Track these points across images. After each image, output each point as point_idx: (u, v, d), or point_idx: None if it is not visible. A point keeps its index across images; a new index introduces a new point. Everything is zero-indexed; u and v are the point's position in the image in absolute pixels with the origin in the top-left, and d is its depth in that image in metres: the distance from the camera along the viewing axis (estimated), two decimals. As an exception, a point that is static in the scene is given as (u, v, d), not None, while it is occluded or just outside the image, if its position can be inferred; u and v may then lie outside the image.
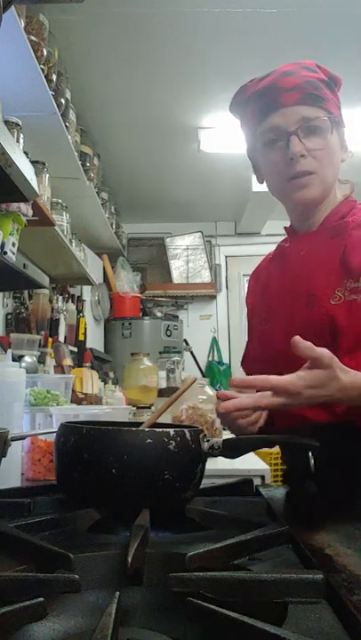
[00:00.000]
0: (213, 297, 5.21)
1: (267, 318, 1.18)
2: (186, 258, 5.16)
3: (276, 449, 3.58)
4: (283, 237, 1.26)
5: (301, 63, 1.12)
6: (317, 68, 1.13)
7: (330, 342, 1.01)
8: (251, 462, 1.77)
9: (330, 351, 0.96)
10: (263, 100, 1.11)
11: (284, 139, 1.07)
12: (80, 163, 2.88)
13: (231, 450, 0.85)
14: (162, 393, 2.63)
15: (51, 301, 3.17)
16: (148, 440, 0.71)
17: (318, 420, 1.04)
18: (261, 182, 1.22)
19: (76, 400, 2.53)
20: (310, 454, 1.03)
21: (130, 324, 4.60)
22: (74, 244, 3.02)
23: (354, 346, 1.00)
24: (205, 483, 0.82)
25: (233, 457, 0.86)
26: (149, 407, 2.63)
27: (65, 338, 3.40)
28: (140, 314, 4.83)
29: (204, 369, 5.05)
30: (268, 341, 1.15)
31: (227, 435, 1.11)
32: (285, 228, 1.24)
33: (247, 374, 1.24)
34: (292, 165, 1.07)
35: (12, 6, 1.15)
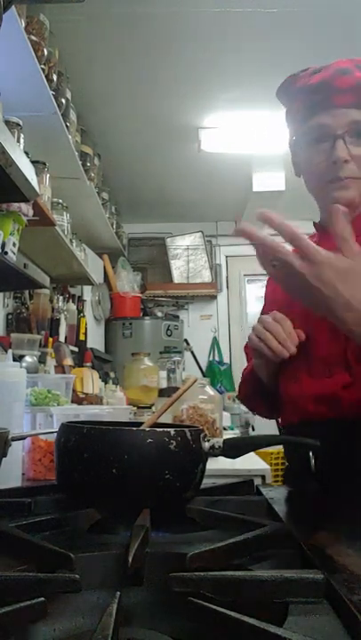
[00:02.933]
0: (214, 297, 5.21)
1: (290, 305, 1.15)
2: (186, 258, 5.16)
3: (277, 449, 3.59)
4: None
5: (356, 61, 1.08)
6: None
7: (342, 336, 1.01)
8: (251, 462, 1.77)
9: (340, 343, 0.98)
10: (315, 96, 1.08)
11: (330, 140, 1.06)
12: (80, 163, 2.88)
13: (231, 450, 0.85)
14: (162, 393, 2.63)
15: (51, 301, 3.17)
16: (149, 440, 0.71)
17: (323, 416, 1.05)
18: (299, 176, 1.20)
19: (77, 400, 2.53)
20: (311, 454, 1.03)
21: (130, 323, 4.60)
22: (74, 244, 3.02)
23: None
24: (206, 483, 0.82)
25: (233, 457, 0.86)
26: (150, 407, 2.63)
27: (65, 338, 3.40)
28: (141, 314, 4.83)
29: (204, 369, 5.05)
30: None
31: (227, 435, 1.11)
32: (315, 223, 1.23)
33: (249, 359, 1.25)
34: (335, 169, 1.06)
35: (13, 6, 1.15)
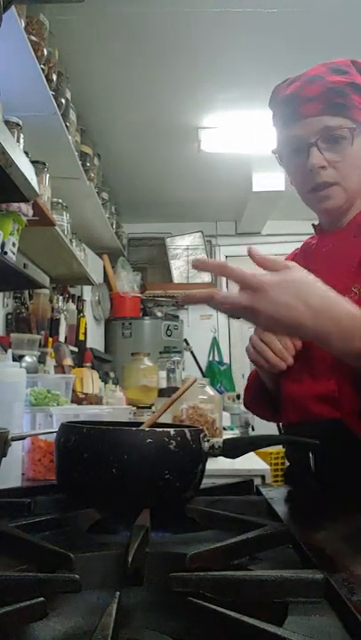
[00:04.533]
0: (214, 297, 5.21)
1: None
2: (186, 258, 5.16)
3: (277, 449, 3.59)
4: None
5: (332, 64, 1.09)
6: (351, 68, 1.09)
7: None
8: (251, 462, 1.77)
9: None
10: (286, 108, 1.09)
11: (305, 150, 1.06)
12: (80, 163, 2.88)
13: (231, 450, 0.85)
14: (162, 393, 2.63)
15: (51, 301, 3.17)
16: (149, 440, 0.71)
17: (324, 415, 1.05)
18: (292, 184, 1.21)
19: (77, 400, 2.53)
20: (311, 454, 1.03)
21: (130, 323, 4.60)
22: (74, 244, 3.02)
23: None
24: (206, 483, 0.82)
25: (233, 457, 0.86)
26: (150, 407, 2.63)
27: (65, 338, 3.40)
28: (141, 314, 4.83)
29: (204, 369, 5.05)
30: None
31: (227, 435, 1.11)
32: (313, 225, 1.23)
33: None
34: (313, 177, 1.07)
35: (13, 6, 1.15)
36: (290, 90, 1.09)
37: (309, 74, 1.08)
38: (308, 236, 1.28)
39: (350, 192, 1.08)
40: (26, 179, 1.37)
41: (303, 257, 1.23)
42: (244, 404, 1.36)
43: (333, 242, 1.14)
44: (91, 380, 3.08)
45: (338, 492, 0.99)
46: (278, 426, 1.40)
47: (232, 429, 3.49)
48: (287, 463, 1.29)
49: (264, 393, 1.23)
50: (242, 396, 5.03)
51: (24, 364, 2.19)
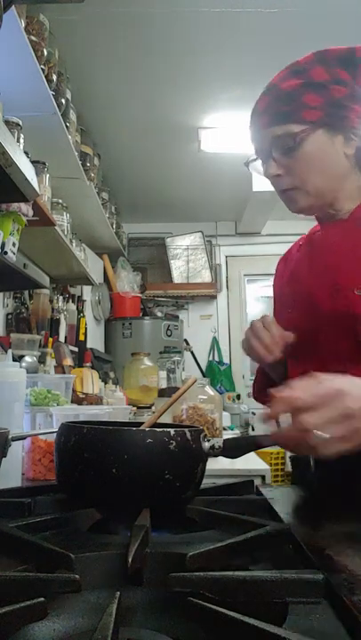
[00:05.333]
0: (214, 297, 5.21)
1: (293, 305, 1.20)
2: (186, 258, 5.16)
3: (277, 449, 3.58)
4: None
5: (293, 65, 1.11)
6: (311, 63, 1.11)
7: (352, 332, 1.04)
8: (251, 462, 1.77)
9: (350, 341, 1.02)
10: (250, 122, 1.16)
11: (265, 160, 1.13)
12: (80, 163, 2.88)
13: (231, 450, 0.85)
14: (162, 393, 2.63)
15: (51, 301, 3.17)
16: (149, 440, 0.71)
17: None
18: None
19: (77, 400, 2.53)
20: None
21: (130, 323, 4.60)
22: (74, 244, 3.02)
23: None
24: (206, 483, 0.82)
25: (233, 457, 0.86)
26: (150, 407, 2.63)
27: (65, 338, 3.40)
28: (141, 314, 4.83)
29: (204, 369, 5.05)
30: (295, 327, 1.15)
31: (227, 435, 1.12)
32: (316, 216, 1.23)
33: None
34: (274, 184, 1.14)
35: (13, 6, 1.15)
36: (255, 102, 1.14)
37: (270, 83, 1.12)
38: (311, 228, 1.29)
39: (313, 192, 1.10)
40: (26, 179, 1.37)
41: (309, 248, 1.23)
42: (253, 397, 1.38)
43: (339, 233, 1.14)
44: (91, 380, 3.08)
45: (338, 491, 0.99)
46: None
47: (232, 429, 3.49)
48: (288, 463, 1.31)
49: (271, 385, 1.23)
50: (242, 396, 5.04)
51: (24, 364, 2.19)
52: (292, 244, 1.33)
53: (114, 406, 2.34)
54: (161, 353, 3.31)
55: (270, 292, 1.39)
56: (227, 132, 3.50)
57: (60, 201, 2.75)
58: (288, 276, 1.26)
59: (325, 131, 1.07)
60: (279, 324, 1.23)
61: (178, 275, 5.15)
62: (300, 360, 1.12)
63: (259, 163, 1.17)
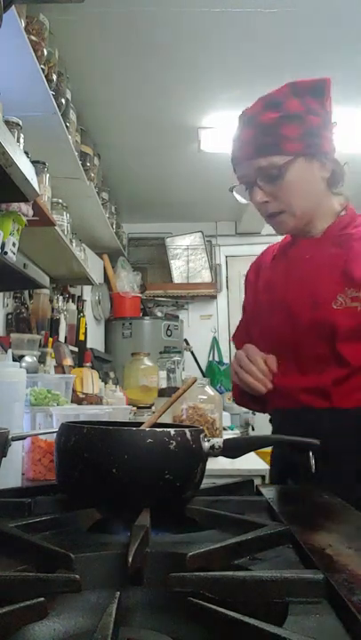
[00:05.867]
0: (214, 297, 5.21)
1: (271, 312, 1.27)
2: (186, 258, 5.16)
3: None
4: (282, 237, 1.34)
5: (268, 98, 1.18)
6: (286, 96, 1.17)
7: (330, 340, 1.16)
8: (251, 462, 1.77)
9: (330, 344, 1.15)
10: (232, 149, 1.23)
11: (250, 187, 1.20)
12: (80, 162, 2.88)
13: (231, 450, 0.85)
14: (162, 393, 2.63)
15: (51, 301, 3.17)
16: (149, 440, 0.71)
17: (314, 405, 1.17)
18: None
19: (77, 400, 2.53)
20: (311, 454, 1.03)
21: (130, 323, 4.60)
22: (74, 244, 3.02)
23: (352, 338, 1.15)
24: (205, 483, 0.82)
25: (233, 457, 0.86)
26: (150, 407, 2.63)
27: (65, 338, 3.40)
28: (141, 314, 4.83)
29: (204, 369, 5.05)
30: (275, 333, 1.25)
31: (227, 435, 1.13)
32: None
33: (238, 347, 1.36)
34: (261, 209, 1.22)
35: (13, 6, 1.15)
36: (236, 130, 1.22)
37: (249, 113, 1.20)
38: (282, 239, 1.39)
39: (300, 213, 1.20)
40: (26, 178, 1.37)
41: (284, 261, 1.31)
42: (235, 402, 1.44)
43: (314, 250, 1.23)
44: (91, 380, 3.08)
45: (336, 489, 0.99)
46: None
47: (232, 429, 3.49)
48: (272, 463, 1.36)
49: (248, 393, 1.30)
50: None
51: (24, 364, 2.19)
52: (261, 254, 1.43)
53: (114, 406, 2.34)
54: (161, 353, 3.31)
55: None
56: (226, 131, 3.50)
57: (60, 201, 2.75)
58: (263, 284, 1.34)
59: (305, 159, 1.16)
60: (257, 329, 1.34)
61: (178, 275, 5.15)
62: (280, 361, 1.19)
63: (242, 188, 1.24)
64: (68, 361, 3.14)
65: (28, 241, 2.28)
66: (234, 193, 1.27)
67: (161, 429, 0.74)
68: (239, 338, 1.41)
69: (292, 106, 1.16)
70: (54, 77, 2.27)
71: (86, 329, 3.82)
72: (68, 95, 2.56)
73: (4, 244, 1.72)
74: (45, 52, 2.09)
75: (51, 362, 2.81)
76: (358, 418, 1.15)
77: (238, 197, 1.27)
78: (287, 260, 1.30)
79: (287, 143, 1.15)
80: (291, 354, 1.21)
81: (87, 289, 4.14)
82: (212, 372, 4.96)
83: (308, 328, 1.18)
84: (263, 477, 1.65)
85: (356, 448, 1.15)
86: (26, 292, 2.90)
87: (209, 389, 2.02)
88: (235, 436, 2.30)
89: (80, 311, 3.79)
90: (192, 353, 4.98)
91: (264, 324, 1.30)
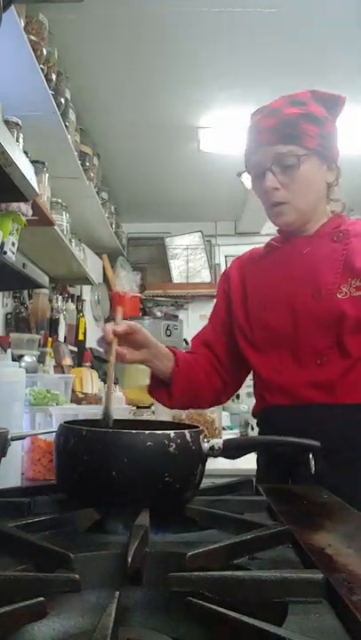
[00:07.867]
0: (213, 296, 5.20)
1: (265, 307, 1.29)
2: (186, 257, 5.16)
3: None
4: (263, 244, 1.37)
5: (292, 97, 1.23)
6: (309, 99, 1.23)
7: (332, 331, 1.17)
8: (251, 462, 1.76)
9: (332, 335, 1.16)
10: (249, 138, 1.27)
11: (263, 173, 1.22)
12: (80, 162, 2.88)
13: (231, 450, 0.85)
14: (162, 393, 2.62)
15: (50, 301, 3.17)
16: (149, 443, 0.71)
17: (318, 400, 1.17)
18: None
19: (76, 400, 2.53)
20: (311, 455, 1.03)
21: (130, 323, 4.59)
22: (73, 244, 3.02)
23: (357, 330, 1.16)
24: (205, 482, 0.82)
25: (233, 457, 0.86)
26: (149, 407, 2.63)
27: (65, 337, 3.40)
28: (140, 313, 4.82)
29: (203, 369, 5.04)
30: (273, 327, 1.25)
31: (227, 435, 1.12)
32: (278, 230, 1.35)
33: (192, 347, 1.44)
34: (268, 197, 1.24)
35: (12, 5, 1.15)
36: (253, 120, 1.26)
37: (271, 106, 1.24)
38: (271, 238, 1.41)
39: (300, 209, 1.24)
40: (25, 178, 1.37)
41: (279, 257, 1.32)
42: (149, 393, 1.47)
43: (312, 245, 1.26)
44: (90, 380, 3.08)
45: (337, 489, 0.99)
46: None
47: (232, 429, 3.49)
48: (258, 463, 1.37)
49: (159, 381, 1.38)
50: (242, 396, 5.03)
51: (23, 364, 2.19)
52: (242, 255, 1.43)
53: (113, 406, 2.34)
54: (160, 353, 3.30)
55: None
56: (226, 131, 3.50)
57: (60, 201, 2.75)
58: (255, 284, 1.35)
59: (318, 158, 1.22)
60: (256, 326, 1.33)
61: (177, 274, 5.15)
62: (275, 353, 1.22)
63: (249, 178, 1.27)
64: (68, 361, 3.14)
65: (28, 241, 2.28)
66: (242, 178, 1.31)
67: (161, 432, 0.74)
68: (196, 339, 1.47)
69: (314, 108, 1.22)
70: (54, 77, 2.27)
71: (85, 329, 3.82)
72: (68, 95, 2.56)
73: (3, 244, 1.72)
74: (45, 52, 2.09)
75: (50, 362, 2.81)
76: None
77: (245, 182, 1.31)
78: (282, 256, 1.30)
79: (307, 138, 1.20)
80: (286, 346, 1.22)
81: (86, 289, 4.14)
82: (211, 372, 4.95)
83: (311, 319, 1.19)
84: (263, 477, 1.64)
85: None
86: (25, 292, 2.90)
87: (208, 389, 2.02)
88: (234, 436, 2.29)
89: (79, 311, 3.79)
90: (192, 353, 4.98)
91: (261, 319, 1.29)
